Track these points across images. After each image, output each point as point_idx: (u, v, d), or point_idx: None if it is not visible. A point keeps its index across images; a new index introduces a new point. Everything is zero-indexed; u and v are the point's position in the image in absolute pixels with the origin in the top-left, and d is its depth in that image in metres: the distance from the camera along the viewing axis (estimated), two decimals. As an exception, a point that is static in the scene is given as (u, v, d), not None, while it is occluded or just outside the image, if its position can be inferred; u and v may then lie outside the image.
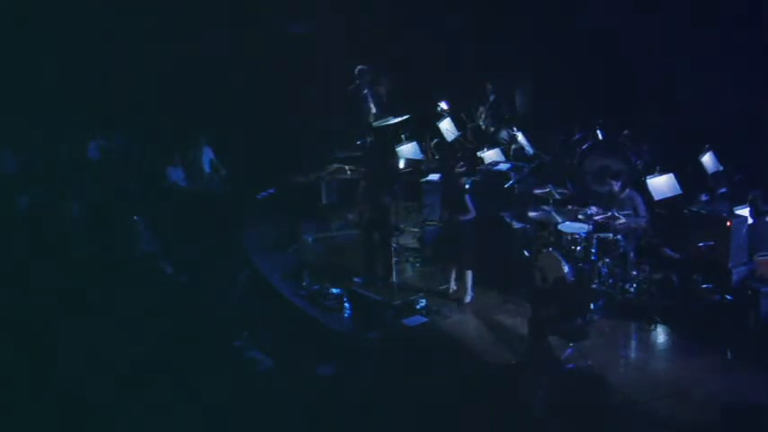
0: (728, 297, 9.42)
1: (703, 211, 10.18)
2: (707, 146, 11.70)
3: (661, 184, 10.97)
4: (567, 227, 10.35)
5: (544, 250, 9.36)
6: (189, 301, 10.04)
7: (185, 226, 12.10)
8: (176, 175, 13.49)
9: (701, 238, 9.66)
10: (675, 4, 12.67)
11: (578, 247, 10.29)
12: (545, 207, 10.71)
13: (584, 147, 12.32)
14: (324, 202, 13.21)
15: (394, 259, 11.42)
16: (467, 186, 11.33)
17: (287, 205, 13.11)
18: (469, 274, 10.61)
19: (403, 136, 13.03)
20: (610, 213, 10.29)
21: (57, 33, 14.03)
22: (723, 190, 10.85)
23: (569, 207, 10.83)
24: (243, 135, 14.32)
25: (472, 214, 10.47)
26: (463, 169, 11.70)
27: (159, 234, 11.71)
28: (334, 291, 10.70)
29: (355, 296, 10.66)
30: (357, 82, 14.44)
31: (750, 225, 9.87)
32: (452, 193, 10.75)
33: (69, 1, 14.19)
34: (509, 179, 11.68)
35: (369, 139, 13.75)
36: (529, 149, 12.78)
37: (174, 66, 14.42)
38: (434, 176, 12.54)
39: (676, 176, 11.02)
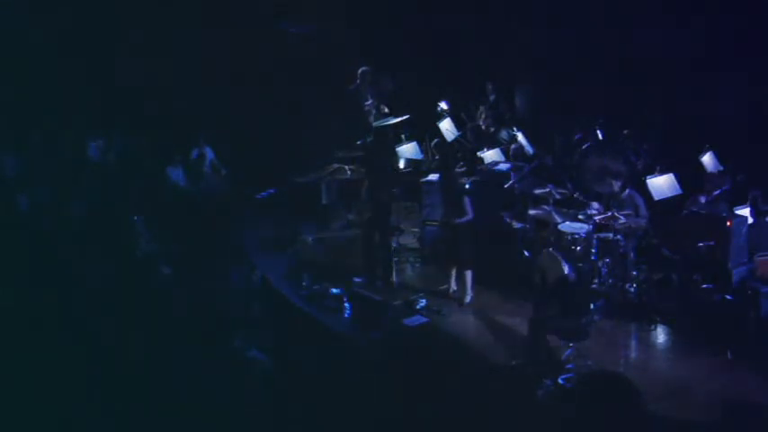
0: (728, 297, 9.42)
1: (703, 212, 10.17)
2: (707, 146, 11.70)
3: (661, 184, 10.97)
4: (567, 227, 10.35)
5: (544, 250, 9.35)
6: (189, 301, 10.03)
7: (185, 226, 12.10)
8: (176, 175, 13.50)
9: (700, 238, 9.66)
10: (675, 5, 12.67)
11: (578, 247, 10.29)
12: (545, 207, 10.71)
13: (584, 147, 12.31)
14: (324, 202, 13.21)
15: (394, 259, 11.45)
16: (467, 187, 11.34)
17: (287, 205, 13.11)
18: (469, 275, 10.60)
19: (403, 136, 13.03)
20: (610, 213, 10.30)
21: (57, 33, 14.04)
22: (723, 189, 10.83)
23: (569, 207, 10.84)
24: (243, 135, 14.32)
25: (469, 216, 10.47)
26: (463, 169, 11.71)
27: (159, 234, 11.71)
28: (334, 291, 10.70)
29: (355, 296, 10.66)
30: (358, 82, 14.45)
31: (750, 225, 9.86)
32: (451, 194, 10.75)
33: (70, 1, 14.21)
34: (509, 179, 11.68)
35: (369, 139, 13.74)
36: (529, 149, 12.78)
37: (175, 66, 14.42)
38: (434, 176, 12.54)
39: (676, 176, 11.01)
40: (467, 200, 10.52)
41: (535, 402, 8.47)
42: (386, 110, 14.13)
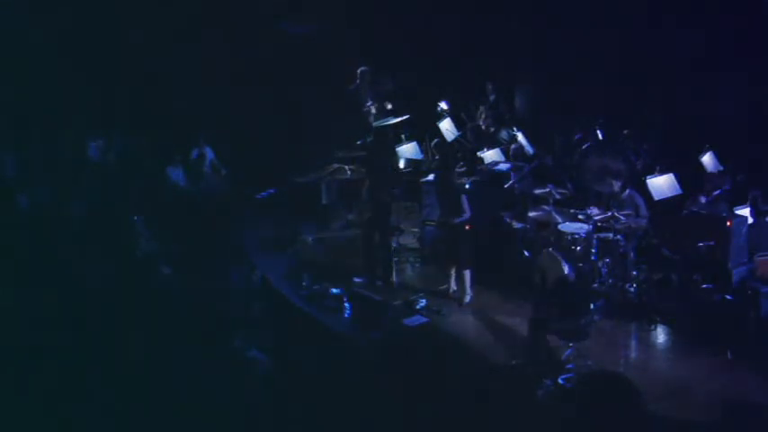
0: (728, 297, 9.42)
1: (703, 212, 10.17)
2: (707, 146, 11.70)
3: (661, 184, 10.97)
4: (567, 227, 10.35)
5: (544, 250, 9.36)
6: (189, 301, 10.03)
7: (185, 226, 12.10)
8: (176, 175, 13.50)
9: (700, 238, 9.66)
10: (675, 5, 12.67)
11: (578, 247, 10.29)
12: (545, 207, 10.71)
13: (584, 147, 12.31)
14: (324, 202, 13.21)
15: (394, 259, 11.45)
16: (467, 186, 11.33)
17: (287, 205, 13.11)
18: (467, 274, 10.60)
19: (403, 136, 13.03)
20: (610, 213, 10.29)
21: (57, 33, 14.04)
22: (723, 189, 10.84)
23: (569, 207, 10.85)
24: (243, 135, 14.32)
25: (467, 215, 10.47)
26: (463, 169, 11.70)
27: (159, 234, 11.70)
28: (334, 291, 10.70)
29: (355, 296, 10.66)
30: (357, 82, 14.46)
31: (750, 225, 9.86)
32: (449, 193, 10.75)
33: (70, 1, 14.21)
34: (509, 179, 11.68)
35: (369, 139, 13.75)
36: (529, 149, 12.78)
37: (175, 65, 14.42)
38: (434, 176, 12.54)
39: (676, 176, 11.02)
40: (464, 198, 10.52)
41: (535, 402, 8.47)
42: (389, 106, 14.11)
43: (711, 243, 9.60)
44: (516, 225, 11.23)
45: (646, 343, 9.74)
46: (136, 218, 11.60)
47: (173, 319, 9.31)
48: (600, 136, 12.62)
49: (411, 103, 14.03)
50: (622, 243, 10.35)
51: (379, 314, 10.35)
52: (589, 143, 12.40)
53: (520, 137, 13.00)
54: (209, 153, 13.88)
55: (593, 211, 10.56)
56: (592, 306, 9.52)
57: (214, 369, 8.29)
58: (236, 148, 14.13)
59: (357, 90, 14.45)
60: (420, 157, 13.03)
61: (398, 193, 11.88)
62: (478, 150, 13.01)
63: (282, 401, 8.00)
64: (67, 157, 13.68)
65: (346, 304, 10.47)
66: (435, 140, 13.44)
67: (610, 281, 10.39)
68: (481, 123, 14.51)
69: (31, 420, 7.54)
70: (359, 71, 14.44)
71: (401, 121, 13.45)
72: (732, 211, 10.04)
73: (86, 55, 14.10)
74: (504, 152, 12.84)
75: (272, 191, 13.29)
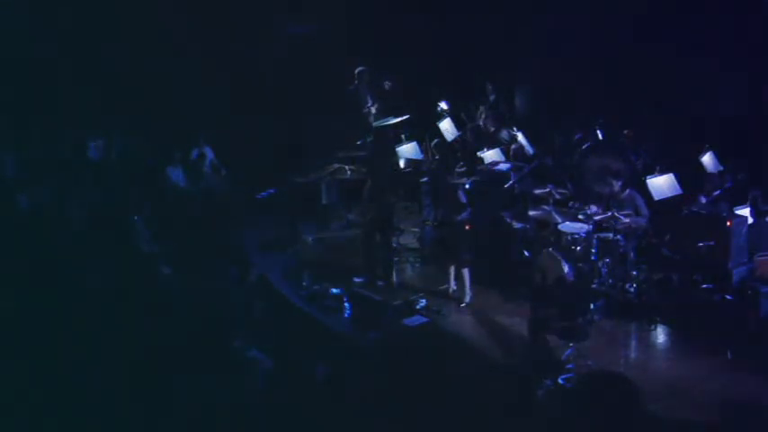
0: (728, 297, 9.42)
1: (703, 212, 10.18)
2: (707, 146, 11.70)
3: (661, 184, 10.96)
4: (567, 227, 10.35)
5: (544, 250, 9.36)
6: (189, 301, 10.03)
7: (185, 226, 12.09)
8: (176, 175, 13.50)
9: (700, 238, 9.66)
10: (676, 4, 12.67)
11: (578, 247, 10.29)
12: (545, 207, 10.71)
13: (584, 147, 12.32)
14: (324, 202, 13.22)
15: (394, 259, 11.45)
16: (467, 186, 11.34)
17: (287, 205, 13.12)
18: (466, 273, 10.59)
19: (403, 136, 13.03)
20: (610, 213, 10.30)
21: (57, 33, 14.04)
22: (723, 189, 10.83)
23: (569, 207, 10.84)
24: (243, 135, 14.32)
25: (468, 211, 10.46)
26: (463, 169, 11.71)
27: (159, 234, 11.70)
28: (334, 291, 10.71)
29: (355, 296, 10.67)
30: (356, 82, 14.46)
31: (750, 225, 9.87)
32: (444, 191, 10.74)
33: (70, 1, 14.21)
34: (509, 179, 11.68)
35: (369, 139, 13.75)
36: (529, 149, 12.78)
37: (174, 66, 14.42)
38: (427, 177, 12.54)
39: (676, 176, 11.02)
40: (461, 194, 10.52)
41: (535, 402, 8.47)
42: (383, 96, 13.94)
43: (711, 243, 9.60)
44: (516, 225, 11.23)
45: (646, 343, 9.75)
46: (136, 218, 11.59)
47: (173, 319, 9.31)
48: (600, 136, 12.62)
49: (411, 103, 14.02)
50: (622, 243, 10.35)
51: (379, 314, 10.36)
52: (589, 143, 12.40)
53: (520, 137, 13.01)
54: (209, 153, 13.88)
55: (593, 210, 10.56)
56: (592, 306, 9.52)
57: (214, 369, 8.28)
58: (236, 148, 14.13)
59: (356, 90, 14.45)
60: (420, 157, 13.02)
61: (402, 192, 11.90)
62: (478, 150, 13.01)
63: (282, 401, 8.00)
64: (67, 157, 13.67)
65: (346, 304, 10.47)
66: (435, 140, 13.43)
67: (610, 281, 10.39)
68: (481, 123, 14.50)
69: (31, 420, 7.53)
70: (356, 71, 14.44)
71: (401, 121, 13.45)
72: (732, 211, 10.04)
73: (86, 55, 14.09)
74: (504, 152, 12.84)
75: (272, 191, 13.28)
